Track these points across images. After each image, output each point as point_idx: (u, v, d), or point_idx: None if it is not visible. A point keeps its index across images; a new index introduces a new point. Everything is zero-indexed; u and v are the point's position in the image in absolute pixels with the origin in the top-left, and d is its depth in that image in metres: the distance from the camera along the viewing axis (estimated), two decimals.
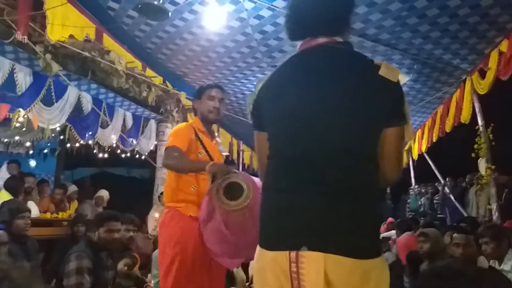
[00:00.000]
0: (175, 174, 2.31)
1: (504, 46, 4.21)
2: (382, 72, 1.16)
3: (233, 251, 2.15)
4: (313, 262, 1.08)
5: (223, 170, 2.02)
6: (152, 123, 6.32)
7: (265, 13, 4.12)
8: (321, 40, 1.24)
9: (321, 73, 1.22)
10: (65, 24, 3.50)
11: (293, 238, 1.13)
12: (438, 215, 7.37)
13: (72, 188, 6.65)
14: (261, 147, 1.34)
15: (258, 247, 1.23)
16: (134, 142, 6.00)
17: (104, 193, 6.70)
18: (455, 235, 2.86)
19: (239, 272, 4.30)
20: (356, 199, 1.12)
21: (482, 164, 5.10)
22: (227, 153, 2.62)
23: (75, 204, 6.51)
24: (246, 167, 9.84)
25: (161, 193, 5.82)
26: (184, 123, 2.50)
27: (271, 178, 1.25)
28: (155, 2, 3.49)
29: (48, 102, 4.51)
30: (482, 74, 4.85)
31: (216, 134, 2.69)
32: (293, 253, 1.10)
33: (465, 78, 5.36)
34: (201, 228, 2.18)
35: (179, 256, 2.20)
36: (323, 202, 1.12)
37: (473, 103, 5.21)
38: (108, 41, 4.17)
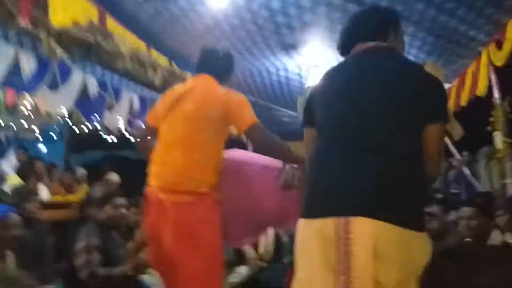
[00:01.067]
0: (218, 154, 1.95)
1: None
2: (428, 68, 1.25)
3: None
4: (362, 228, 1.11)
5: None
6: None
7: None
8: (370, 44, 1.40)
9: (371, 71, 1.35)
10: (67, 8, 3.43)
11: (341, 204, 1.17)
12: (453, 191, 7.28)
13: (83, 171, 6.67)
14: (311, 143, 1.41)
15: (302, 220, 1.27)
16: (142, 125, 5.96)
17: (113, 176, 6.70)
18: (466, 208, 2.80)
19: (249, 250, 4.32)
20: (404, 172, 1.18)
21: (498, 138, 4.98)
22: None
23: (85, 187, 6.53)
24: None
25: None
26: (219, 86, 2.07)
27: (318, 153, 1.31)
28: None
29: (53, 86, 4.45)
30: (499, 45, 4.66)
31: None
32: (341, 219, 1.14)
33: (481, 50, 5.18)
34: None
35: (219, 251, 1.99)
36: (372, 171, 1.17)
37: (489, 75, 5.04)
38: (112, 24, 4.09)
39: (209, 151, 1.91)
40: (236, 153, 2.11)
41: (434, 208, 3.64)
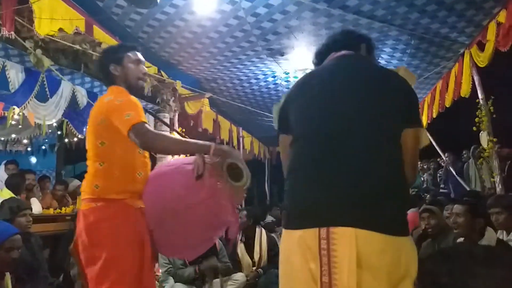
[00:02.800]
0: (118, 158, 1.86)
1: (502, 16, 4.12)
2: (401, 73, 1.30)
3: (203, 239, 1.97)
4: (345, 237, 1.08)
5: (229, 151, 1.76)
6: (149, 114, 6.26)
7: None
8: (343, 52, 1.42)
9: (344, 74, 1.35)
10: (53, 17, 3.43)
11: (323, 214, 1.14)
12: (441, 190, 7.36)
13: (76, 183, 6.58)
14: (288, 150, 1.39)
15: (284, 230, 1.25)
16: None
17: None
18: (456, 205, 2.85)
19: (244, 256, 4.33)
20: (387, 177, 1.16)
21: (483, 137, 5.07)
22: None
23: (79, 198, 6.49)
24: (247, 152, 9.82)
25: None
26: (120, 89, 1.96)
27: (298, 160, 1.29)
28: None
29: (42, 98, 4.46)
30: (481, 47, 4.77)
31: None
32: (323, 230, 1.11)
33: (463, 52, 5.28)
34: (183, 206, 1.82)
35: (138, 258, 1.82)
36: (354, 178, 1.15)
37: (472, 76, 5.14)
38: (99, 33, 4.10)
39: (112, 159, 1.86)
40: (162, 165, 2.03)
41: (432, 206, 3.69)
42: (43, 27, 3.36)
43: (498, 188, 4.93)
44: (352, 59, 1.41)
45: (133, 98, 1.91)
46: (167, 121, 6.21)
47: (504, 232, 2.84)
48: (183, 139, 1.92)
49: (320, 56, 1.50)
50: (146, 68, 2.07)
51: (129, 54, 2.01)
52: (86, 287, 1.86)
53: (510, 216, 2.78)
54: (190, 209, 1.79)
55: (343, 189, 1.14)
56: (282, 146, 1.46)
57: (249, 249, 4.39)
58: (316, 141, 1.25)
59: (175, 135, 4.16)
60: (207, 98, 6.59)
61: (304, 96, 1.38)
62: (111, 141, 1.85)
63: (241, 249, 4.40)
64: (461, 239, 2.78)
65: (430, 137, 7.72)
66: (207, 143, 1.80)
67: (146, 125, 1.77)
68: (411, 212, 4.37)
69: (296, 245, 1.15)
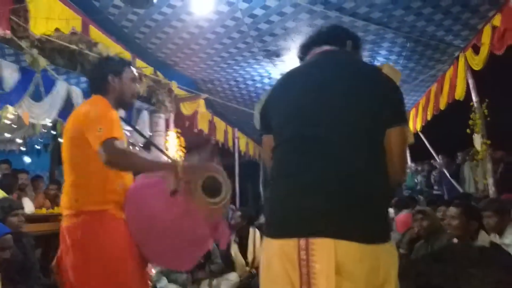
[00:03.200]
0: (95, 171, 1.76)
1: (497, 20, 4.16)
2: (385, 70, 1.24)
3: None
4: (324, 249, 1.08)
5: (202, 168, 1.69)
6: (145, 114, 6.23)
7: None
8: (325, 47, 1.37)
9: (325, 70, 1.30)
10: (49, 17, 3.42)
11: (302, 225, 1.12)
12: (435, 192, 7.41)
13: None
14: (270, 151, 1.35)
15: (265, 238, 1.24)
16: (128, 134, 5.94)
17: None
18: (451, 208, 2.87)
19: (238, 257, 4.33)
20: (365, 185, 1.13)
21: (477, 140, 5.11)
22: None
23: None
24: (242, 154, 9.82)
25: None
26: (103, 101, 1.88)
27: (279, 167, 1.26)
28: None
29: (37, 97, 4.43)
30: (476, 50, 4.81)
31: None
32: (302, 241, 1.10)
33: (458, 55, 5.32)
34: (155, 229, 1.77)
35: (135, 264, 1.78)
36: (332, 188, 1.13)
37: (467, 79, 5.19)
38: (95, 33, 4.09)
39: (89, 171, 1.77)
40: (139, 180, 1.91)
41: (426, 207, 3.70)
42: (39, 27, 3.34)
43: (491, 191, 4.97)
44: (335, 55, 1.36)
45: (111, 112, 1.81)
46: (163, 121, 6.20)
47: (497, 236, 2.86)
48: (150, 159, 1.83)
49: (304, 50, 1.44)
50: (140, 89, 2.05)
51: (128, 69, 1.97)
52: None
53: (501, 219, 2.80)
54: (167, 225, 1.73)
55: (321, 199, 1.12)
56: (265, 147, 1.42)
57: (243, 250, 4.39)
58: (295, 147, 1.22)
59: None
60: (203, 99, 6.58)
61: (285, 97, 1.33)
62: (87, 153, 1.75)
63: (234, 249, 4.40)
64: (455, 240, 2.80)
65: (424, 139, 7.81)
66: (173, 162, 1.77)
67: (117, 142, 1.68)
68: (404, 214, 4.40)
69: (276, 254, 1.15)
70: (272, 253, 1.17)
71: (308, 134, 1.21)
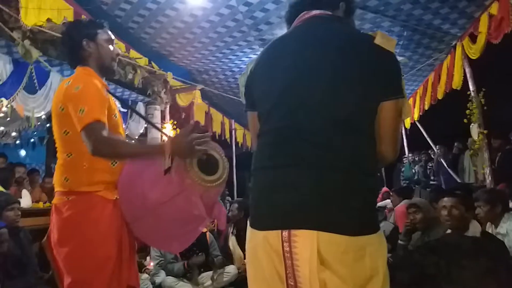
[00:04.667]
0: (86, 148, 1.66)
1: (494, 8, 4.12)
2: (377, 41, 1.12)
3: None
4: (306, 240, 1.05)
5: (187, 147, 1.55)
6: (140, 106, 6.20)
7: None
8: (315, 12, 1.25)
9: (312, 43, 1.19)
10: (40, 7, 3.36)
11: (285, 217, 1.10)
12: (432, 182, 7.43)
13: None
14: (255, 128, 1.29)
15: (249, 228, 1.20)
16: (123, 126, 5.91)
17: None
18: (445, 198, 2.86)
19: (236, 250, 4.34)
20: (349, 175, 1.09)
21: (474, 129, 5.10)
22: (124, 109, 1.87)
23: None
24: (239, 145, 9.79)
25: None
26: (85, 72, 1.78)
27: (262, 155, 1.21)
28: None
29: (31, 89, 4.38)
30: (473, 39, 4.78)
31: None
32: (285, 232, 1.08)
33: (455, 44, 5.29)
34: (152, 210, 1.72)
35: (113, 252, 1.71)
36: (315, 179, 1.09)
37: (464, 68, 5.16)
38: None
39: (79, 149, 1.65)
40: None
41: (418, 200, 3.72)
42: (30, 17, 3.29)
43: (488, 180, 4.97)
44: (323, 23, 1.23)
45: (94, 84, 1.68)
46: (158, 113, 6.16)
47: (493, 226, 2.86)
48: (138, 146, 1.78)
49: (292, 12, 1.31)
50: (119, 49, 1.91)
51: (102, 31, 1.82)
52: (59, 282, 1.77)
53: (491, 210, 2.80)
54: (161, 205, 1.68)
55: (303, 190, 1.08)
56: (250, 125, 1.34)
57: (241, 242, 4.39)
58: (275, 138, 1.16)
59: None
60: (199, 90, 6.54)
61: (268, 76, 1.24)
62: (73, 131, 1.66)
63: (232, 242, 4.40)
64: (448, 231, 2.80)
65: (421, 129, 7.80)
66: (162, 143, 1.66)
67: (100, 124, 1.58)
68: (403, 204, 4.40)
69: (261, 246, 1.13)
70: (257, 244, 1.15)
71: (289, 123, 1.14)
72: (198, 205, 1.68)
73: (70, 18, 3.70)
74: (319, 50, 1.17)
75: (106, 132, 1.60)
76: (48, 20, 3.56)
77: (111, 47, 1.84)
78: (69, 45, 1.81)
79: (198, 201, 1.67)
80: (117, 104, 1.88)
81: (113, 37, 1.87)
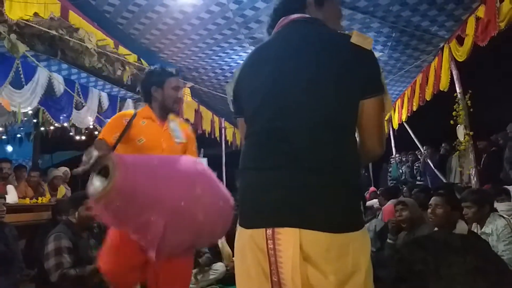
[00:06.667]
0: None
1: (481, 11, 4.18)
2: (354, 40, 1.14)
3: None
4: (289, 238, 1.08)
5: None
6: (130, 103, 6.16)
7: None
8: (293, 16, 1.28)
9: (291, 46, 1.23)
10: (26, 1, 3.30)
11: (269, 215, 1.13)
12: (418, 182, 7.51)
13: (56, 173, 6.30)
14: (244, 133, 1.32)
15: (238, 226, 1.23)
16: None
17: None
18: (435, 197, 2.90)
19: (225, 247, 4.33)
20: (331, 174, 1.11)
21: (460, 131, 5.17)
22: (183, 140, 2.19)
23: (62, 189, 6.29)
24: (229, 144, 9.79)
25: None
26: (140, 110, 2.27)
27: (247, 157, 1.25)
28: None
29: (17, 84, 4.33)
30: (460, 41, 4.84)
31: (173, 120, 2.36)
32: (269, 230, 1.10)
33: (443, 46, 5.36)
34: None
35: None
36: (298, 178, 1.11)
37: (451, 70, 5.23)
38: (75, 18, 3.98)
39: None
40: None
41: (406, 198, 3.75)
42: (15, 11, 3.23)
43: (473, 181, 5.04)
44: (302, 24, 1.26)
45: (119, 115, 2.25)
46: None
47: (478, 226, 2.91)
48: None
49: (270, 27, 1.35)
50: (183, 94, 2.34)
51: (171, 79, 2.24)
52: None
53: (479, 210, 2.84)
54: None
55: (287, 189, 1.11)
56: (240, 130, 1.38)
57: (229, 239, 4.39)
58: (259, 140, 1.20)
59: None
60: (189, 87, 6.51)
61: (251, 82, 1.27)
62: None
63: (221, 239, 4.39)
64: (435, 229, 2.84)
65: (409, 130, 7.88)
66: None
67: (101, 142, 2.04)
68: (390, 204, 4.45)
69: (247, 244, 1.16)
70: (244, 242, 1.18)
71: (272, 125, 1.17)
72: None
73: (57, 13, 3.65)
74: (298, 53, 1.20)
75: (105, 146, 2.02)
76: (35, 14, 3.51)
77: (175, 93, 2.25)
78: (142, 88, 2.33)
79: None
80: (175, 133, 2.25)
81: (180, 84, 2.32)
